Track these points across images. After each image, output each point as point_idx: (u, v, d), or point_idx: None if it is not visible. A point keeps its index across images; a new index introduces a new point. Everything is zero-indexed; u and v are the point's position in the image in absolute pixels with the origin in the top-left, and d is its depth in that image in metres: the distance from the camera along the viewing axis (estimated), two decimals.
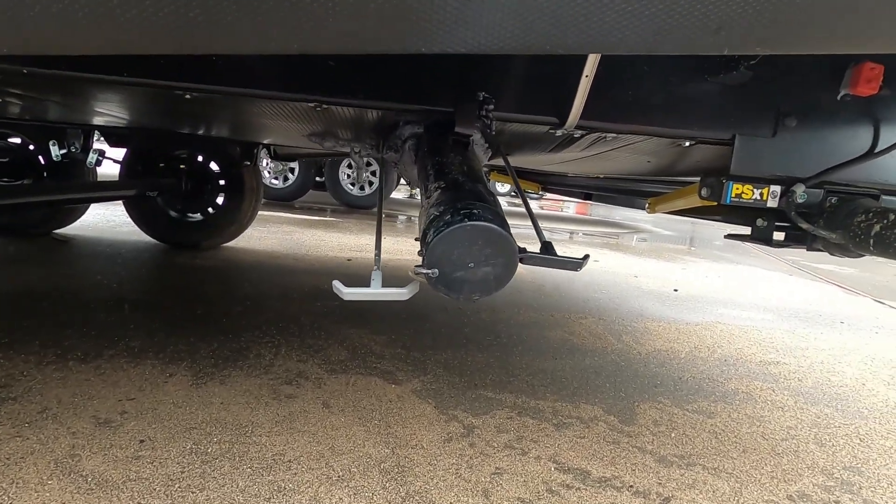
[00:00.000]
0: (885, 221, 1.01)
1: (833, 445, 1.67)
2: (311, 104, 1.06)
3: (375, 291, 0.89)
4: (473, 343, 2.26)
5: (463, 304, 2.84)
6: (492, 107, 0.99)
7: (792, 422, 1.82)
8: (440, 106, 1.04)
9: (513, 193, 11.19)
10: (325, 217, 6.05)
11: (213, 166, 3.57)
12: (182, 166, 3.49)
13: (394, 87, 1.03)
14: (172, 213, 3.55)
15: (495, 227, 0.81)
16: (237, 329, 2.14)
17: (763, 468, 1.49)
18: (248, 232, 4.06)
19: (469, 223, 0.80)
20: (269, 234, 4.45)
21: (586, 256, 0.93)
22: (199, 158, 3.54)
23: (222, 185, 3.57)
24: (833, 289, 4.62)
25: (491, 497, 1.24)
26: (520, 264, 0.90)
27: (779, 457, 1.57)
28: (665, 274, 4.46)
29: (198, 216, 3.59)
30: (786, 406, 1.95)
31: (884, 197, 1.15)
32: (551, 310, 2.93)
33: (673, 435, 1.64)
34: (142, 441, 1.32)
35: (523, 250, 0.86)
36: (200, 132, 2.57)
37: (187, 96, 1.05)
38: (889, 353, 2.76)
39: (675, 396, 1.93)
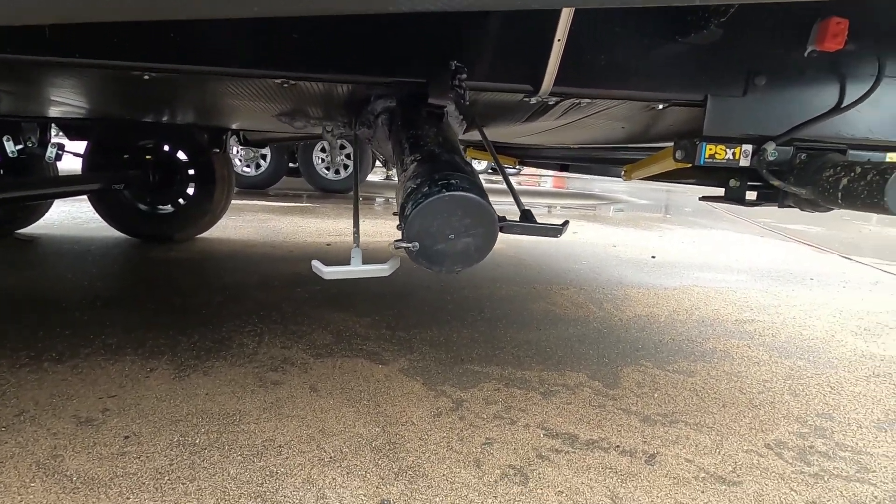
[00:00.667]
0: (852, 174, 1.04)
1: (806, 395, 1.75)
2: (278, 81, 1.02)
3: (356, 269, 0.87)
4: (458, 319, 2.27)
5: (445, 277, 2.84)
6: (465, 76, 0.97)
7: (767, 375, 1.89)
8: (412, 77, 1.01)
9: (489, 171, 11.16)
10: (301, 203, 5.95)
11: (181, 155, 3.45)
12: (148, 157, 3.36)
13: (363, 59, 1.00)
14: (141, 206, 3.44)
15: (474, 196, 0.80)
16: (218, 320, 2.11)
17: (742, 420, 1.55)
18: (223, 222, 3.96)
19: (447, 194, 0.78)
20: (245, 223, 4.35)
21: (566, 222, 0.93)
22: (166, 148, 3.42)
23: (192, 175, 3.46)
24: (802, 248, 4.77)
25: (483, 466, 1.26)
26: (500, 234, 0.90)
27: (756, 409, 1.63)
28: (642, 242, 4.54)
29: (168, 208, 3.49)
30: (761, 361, 2.02)
31: (850, 151, 1.18)
32: (533, 282, 2.96)
33: (656, 395, 1.68)
34: (126, 437, 1.30)
35: (503, 219, 0.86)
36: (164, 119, 2.47)
37: (146, 77, 1.00)
38: (856, 305, 2.88)
39: (657, 358, 1.98)
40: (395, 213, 0.88)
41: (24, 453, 1.21)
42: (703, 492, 1.21)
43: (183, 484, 1.14)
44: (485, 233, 0.83)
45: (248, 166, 6.65)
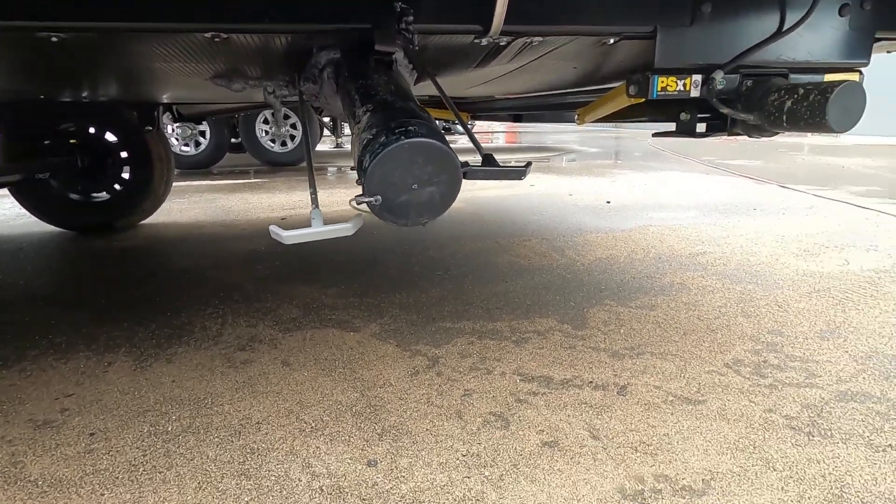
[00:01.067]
0: (796, 96, 1.07)
1: (757, 315, 1.87)
2: (208, 35, 0.93)
3: (317, 230, 0.83)
4: (425, 280, 2.26)
5: (408, 240, 2.82)
6: (411, 18, 0.91)
7: (721, 301, 2.00)
8: (355, 23, 0.94)
9: (442, 130, 10.98)
10: (249, 179, 5.69)
11: (110, 137, 3.19)
12: (73, 141, 3.09)
13: (299, 5, 0.92)
14: (73, 196, 3.18)
15: (434, 142, 0.76)
16: (175, 306, 2.01)
17: (702, 345, 1.65)
18: (167, 205, 3.75)
19: (406, 141, 0.75)
20: (191, 205, 4.13)
21: (528, 164, 0.91)
22: (92, 130, 3.15)
23: (126, 158, 3.22)
24: (744, 181, 5.01)
25: (464, 417, 1.29)
26: (459, 193, 0.87)
27: (714, 333, 1.73)
28: (597, 189, 4.63)
29: (104, 195, 3.25)
30: (715, 289, 2.13)
31: (792, 75, 1.21)
32: (495, 237, 2.98)
33: (622, 331, 1.75)
34: (92, 434, 1.24)
35: (465, 164, 0.83)
36: (85, 96, 2.25)
37: (54, 39, 0.88)
38: (795, 229, 3.07)
39: (620, 297, 2.05)
40: (352, 168, 0.84)
41: None
42: (671, 413, 1.29)
43: (160, 473, 1.10)
44: (448, 179, 0.80)
45: (186, 145, 6.25)
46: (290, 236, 0.82)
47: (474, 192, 4.36)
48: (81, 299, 2.12)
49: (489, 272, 2.36)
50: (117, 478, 1.09)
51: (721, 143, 9.56)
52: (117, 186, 3.25)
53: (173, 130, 6.03)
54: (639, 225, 3.24)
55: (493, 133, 12.70)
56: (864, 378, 1.44)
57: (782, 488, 1.03)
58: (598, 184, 4.95)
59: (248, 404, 1.35)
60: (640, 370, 1.50)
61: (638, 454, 1.14)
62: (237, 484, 1.07)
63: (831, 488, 1.02)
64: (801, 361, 1.53)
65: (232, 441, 1.20)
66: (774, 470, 1.08)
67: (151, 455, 1.16)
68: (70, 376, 1.50)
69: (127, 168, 3.23)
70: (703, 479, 1.05)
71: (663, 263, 2.47)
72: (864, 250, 2.64)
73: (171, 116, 3.60)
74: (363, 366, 1.54)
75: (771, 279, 2.24)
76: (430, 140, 0.76)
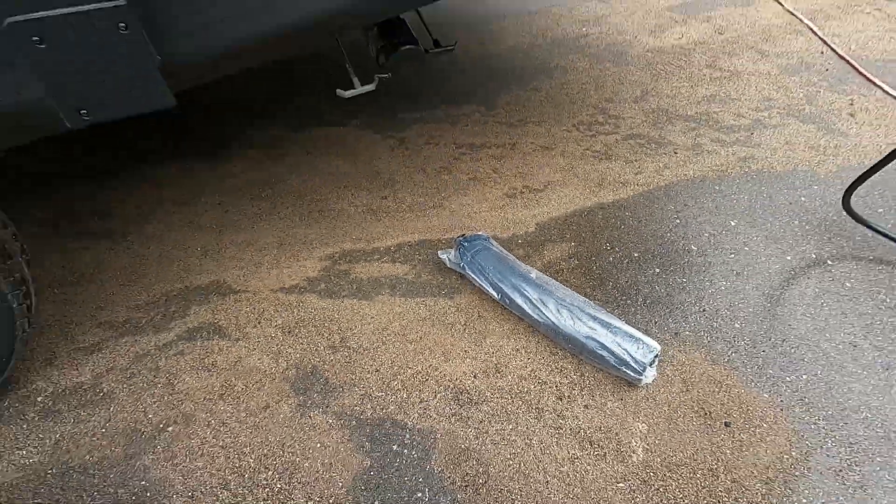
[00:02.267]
0: None
1: (604, 88, 2.87)
2: None
3: (361, 89, 1.65)
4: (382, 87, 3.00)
5: None
6: None
7: (585, 79, 2.96)
8: None
9: None
10: None
11: None
12: None
13: None
14: None
15: None
16: (201, 130, 2.71)
17: (563, 113, 2.67)
18: None
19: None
20: None
21: None
22: None
23: None
24: None
25: (426, 170, 2.33)
26: None
27: (573, 104, 2.74)
28: None
29: None
30: (584, 69, 3.06)
31: None
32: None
33: (517, 108, 2.73)
34: (219, 203, 2.18)
35: None
36: None
37: None
38: (663, 3, 3.84)
39: (520, 82, 2.95)
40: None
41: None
42: (537, 156, 2.39)
43: (277, 219, 2.11)
44: None
45: None
46: (349, 94, 1.64)
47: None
48: None
49: (426, 76, 3.12)
50: (252, 218, 2.10)
51: None
52: None
53: None
54: (542, 7, 3.86)
55: None
56: (644, 125, 2.56)
57: (577, 185, 2.20)
58: None
59: (301, 180, 2.31)
60: (524, 134, 2.54)
61: (516, 178, 2.26)
62: (317, 219, 2.11)
63: (599, 179, 2.21)
64: (615, 119, 2.62)
65: (302, 199, 2.20)
66: (577, 176, 2.25)
67: (264, 209, 2.15)
68: (178, 180, 2.35)
69: None
70: (544, 185, 2.21)
71: (555, 48, 3.29)
72: (701, 21, 3.54)
73: None
74: (359, 149, 2.48)
75: (624, 57, 3.17)
76: None
